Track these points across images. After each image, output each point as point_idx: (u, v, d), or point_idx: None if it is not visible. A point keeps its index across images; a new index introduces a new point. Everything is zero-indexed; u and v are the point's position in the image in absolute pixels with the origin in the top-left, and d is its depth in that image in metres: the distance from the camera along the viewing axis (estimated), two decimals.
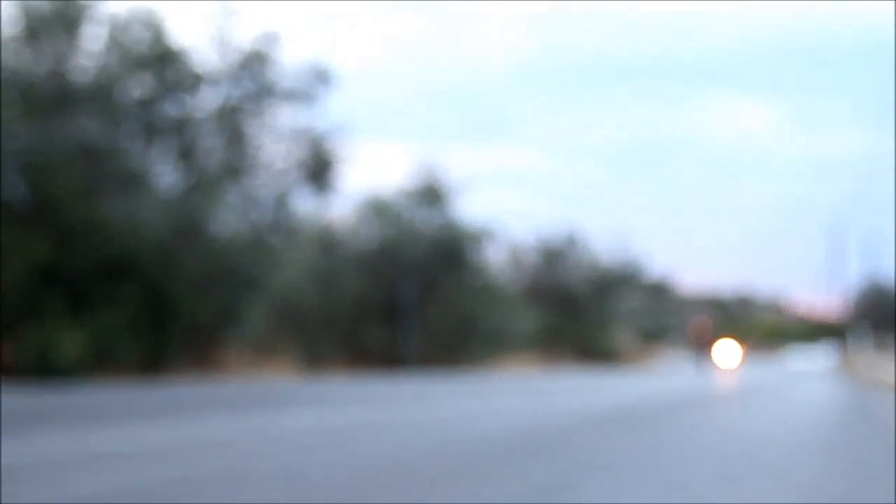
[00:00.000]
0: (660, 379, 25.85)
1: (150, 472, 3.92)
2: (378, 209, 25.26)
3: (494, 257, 31.72)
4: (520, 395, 11.78)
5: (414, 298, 22.93)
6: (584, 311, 38.54)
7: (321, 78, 16.30)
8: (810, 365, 52.60)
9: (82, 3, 13.96)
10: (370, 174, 34.29)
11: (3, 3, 13.48)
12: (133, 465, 4.08)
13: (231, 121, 15.94)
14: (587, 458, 5.09)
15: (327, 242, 24.18)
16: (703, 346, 27.68)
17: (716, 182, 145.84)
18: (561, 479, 4.19)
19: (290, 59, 16.18)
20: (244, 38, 15.60)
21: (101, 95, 13.83)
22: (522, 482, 4.02)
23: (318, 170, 16.90)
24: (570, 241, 39.70)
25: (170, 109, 15.20)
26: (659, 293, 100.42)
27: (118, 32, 14.36)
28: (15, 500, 2.98)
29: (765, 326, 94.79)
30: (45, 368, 10.61)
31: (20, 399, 8.03)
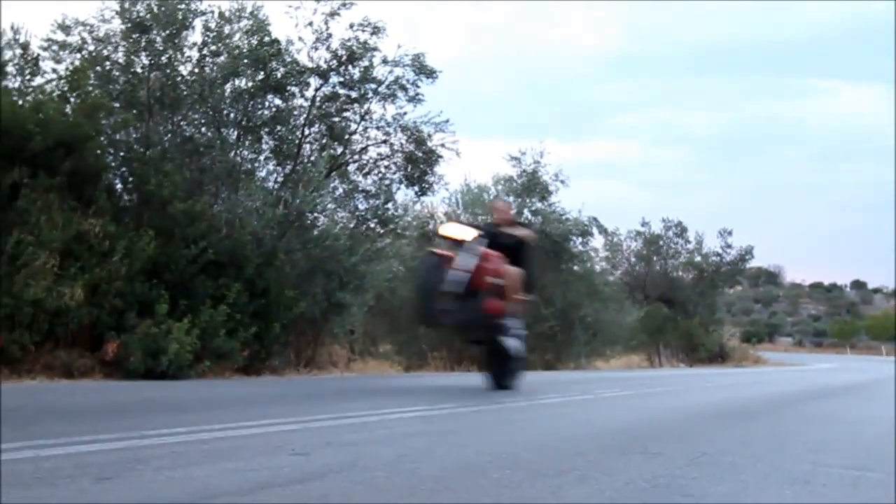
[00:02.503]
0: (773, 372, 25.13)
1: (265, 462, 3.89)
2: (477, 201, 25.18)
3: (594, 250, 31.35)
4: (626, 390, 11.53)
5: None
6: (688, 304, 37.76)
7: (424, 71, 16.28)
8: None
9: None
10: (466, 168, 34.27)
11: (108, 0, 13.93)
12: (251, 456, 4.06)
13: (333, 114, 16.07)
14: (703, 451, 4.87)
15: (426, 235, 24.23)
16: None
17: (820, 170, 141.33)
18: (675, 472, 4.01)
19: (391, 52, 16.21)
20: (347, 30, 15.69)
21: (204, 90, 14.11)
22: (635, 476, 3.84)
23: (420, 162, 16.92)
24: (671, 231, 38.98)
25: (272, 103, 15.42)
26: (765, 283, 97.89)
27: (221, 28, 14.64)
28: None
29: (884, 315, 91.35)
30: (151, 367, 10.83)
31: (138, 395, 8.19)
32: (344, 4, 15.54)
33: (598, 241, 32.57)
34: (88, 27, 13.91)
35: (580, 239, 26.12)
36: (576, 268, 26.79)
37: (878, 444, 5.81)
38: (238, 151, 14.88)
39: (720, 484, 3.73)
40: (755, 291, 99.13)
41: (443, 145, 17.06)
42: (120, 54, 14.03)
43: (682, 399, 10.30)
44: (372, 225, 16.69)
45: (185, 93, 14.03)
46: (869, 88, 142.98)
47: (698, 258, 38.96)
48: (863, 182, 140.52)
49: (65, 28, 13.76)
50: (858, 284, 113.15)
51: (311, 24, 15.52)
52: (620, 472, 3.91)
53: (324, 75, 15.77)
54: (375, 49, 15.85)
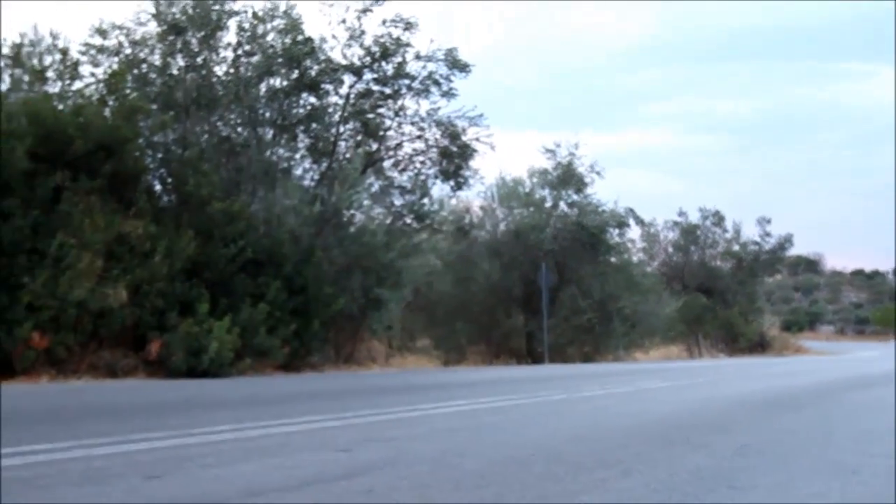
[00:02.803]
0: (815, 361, 24.81)
1: (310, 458, 3.92)
2: (512, 194, 25.13)
3: (631, 241, 31.17)
4: (666, 382, 11.46)
5: (551, 285, 22.70)
6: (727, 294, 37.36)
7: (457, 65, 16.30)
8: None
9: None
10: (500, 161, 34.21)
11: (145, 1, 14.12)
12: (295, 452, 4.09)
13: (367, 110, 16.14)
14: (747, 442, 4.83)
15: (462, 229, 24.22)
16: None
17: (859, 154, 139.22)
18: (719, 464, 3.98)
19: (424, 47, 16.24)
20: (379, 27, 15.74)
21: (239, 90, 14.24)
22: (678, 468, 3.82)
23: (454, 157, 16.94)
24: (708, 220, 38.60)
25: (307, 101, 15.52)
26: (805, 271, 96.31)
27: (255, 28, 14.75)
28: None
29: None
30: (193, 365, 10.95)
31: (183, 393, 8.28)
32: (376, 1, 15.60)
33: (634, 232, 32.40)
34: (125, 30, 14.08)
35: (617, 230, 26.01)
36: (613, 259, 26.66)
37: None
38: (274, 150, 14.99)
39: (767, 475, 3.70)
40: (795, 279, 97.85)
41: (477, 139, 17.07)
42: (156, 56, 14.19)
43: (724, 390, 10.22)
44: (408, 220, 16.74)
45: (220, 93, 14.16)
46: None
47: (736, 247, 38.56)
48: None
49: (102, 32, 13.93)
50: None
51: (343, 21, 15.60)
52: (664, 464, 3.89)
53: (358, 72, 15.84)
54: (408, 45, 15.89)
